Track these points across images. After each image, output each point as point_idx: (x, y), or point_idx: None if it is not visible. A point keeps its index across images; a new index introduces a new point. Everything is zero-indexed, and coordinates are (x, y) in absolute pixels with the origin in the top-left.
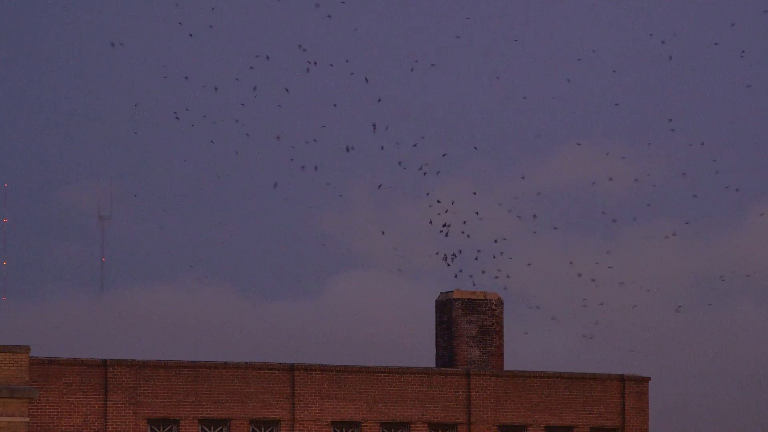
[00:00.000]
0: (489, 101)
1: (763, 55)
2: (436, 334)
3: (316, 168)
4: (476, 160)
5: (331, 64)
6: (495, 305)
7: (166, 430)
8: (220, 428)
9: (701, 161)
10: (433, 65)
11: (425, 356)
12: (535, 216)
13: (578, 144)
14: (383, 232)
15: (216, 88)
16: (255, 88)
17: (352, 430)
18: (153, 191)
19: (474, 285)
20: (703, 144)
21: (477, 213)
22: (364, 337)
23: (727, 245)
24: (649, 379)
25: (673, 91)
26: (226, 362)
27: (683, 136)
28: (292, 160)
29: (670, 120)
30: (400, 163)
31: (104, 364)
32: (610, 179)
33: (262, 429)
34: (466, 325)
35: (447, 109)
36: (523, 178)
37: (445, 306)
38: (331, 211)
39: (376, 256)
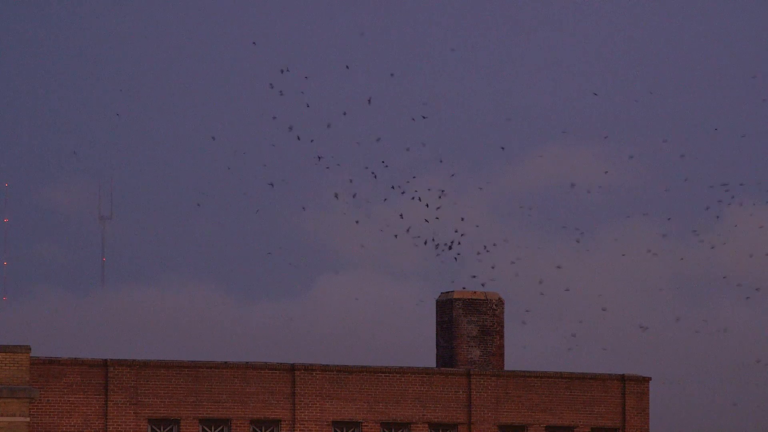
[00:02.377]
0: (478, 101)
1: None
2: (437, 334)
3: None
4: (462, 161)
5: (306, 77)
6: (495, 305)
7: (166, 430)
8: (220, 428)
9: (685, 165)
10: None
11: (425, 356)
12: (522, 207)
13: (559, 145)
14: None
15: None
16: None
17: (352, 430)
18: (152, 192)
19: (453, 281)
20: (665, 141)
21: (463, 218)
22: (352, 337)
23: (706, 248)
24: (650, 379)
25: (663, 95)
26: (226, 362)
27: (670, 141)
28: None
29: (660, 119)
30: (384, 162)
31: (105, 364)
32: (592, 182)
33: (263, 429)
34: (467, 325)
35: (433, 111)
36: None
37: (445, 306)
38: (319, 212)
39: (362, 257)
